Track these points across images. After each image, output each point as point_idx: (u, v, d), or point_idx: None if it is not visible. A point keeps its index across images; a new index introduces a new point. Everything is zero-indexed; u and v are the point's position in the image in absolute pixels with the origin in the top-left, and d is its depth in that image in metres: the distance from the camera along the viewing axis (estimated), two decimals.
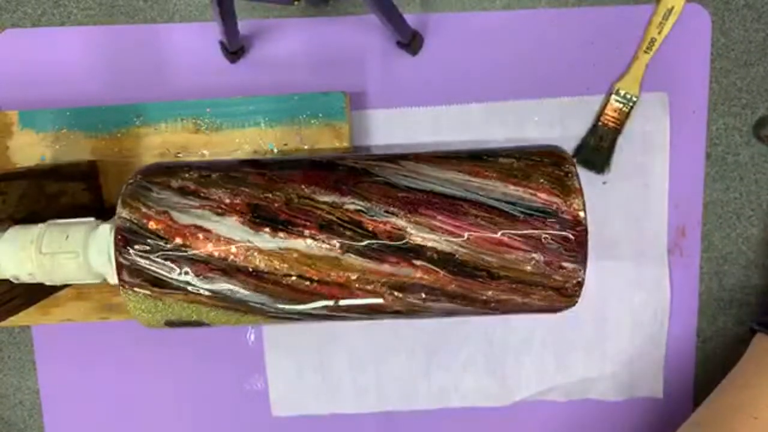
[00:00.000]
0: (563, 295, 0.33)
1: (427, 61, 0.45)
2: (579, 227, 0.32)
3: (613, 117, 0.44)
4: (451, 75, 0.45)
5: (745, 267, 0.47)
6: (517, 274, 0.32)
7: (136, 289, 0.32)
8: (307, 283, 0.32)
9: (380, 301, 0.33)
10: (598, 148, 0.45)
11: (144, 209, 0.32)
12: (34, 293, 0.39)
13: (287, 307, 0.33)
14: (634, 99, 0.44)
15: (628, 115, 0.44)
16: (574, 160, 0.45)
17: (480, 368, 0.48)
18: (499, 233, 0.32)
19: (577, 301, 0.33)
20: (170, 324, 0.34)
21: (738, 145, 0.46)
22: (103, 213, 0.39)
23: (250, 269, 0.32)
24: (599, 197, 0.46)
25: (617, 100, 0.44)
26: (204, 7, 0.45)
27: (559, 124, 0.45)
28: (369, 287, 0.32)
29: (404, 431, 0.49)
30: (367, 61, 0.45)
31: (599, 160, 0.45)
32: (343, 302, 0.33)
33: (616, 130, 0.45)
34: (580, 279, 0.32)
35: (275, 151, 0.43)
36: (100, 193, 0.44)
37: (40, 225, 0.35)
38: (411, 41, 0.43)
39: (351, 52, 0.45)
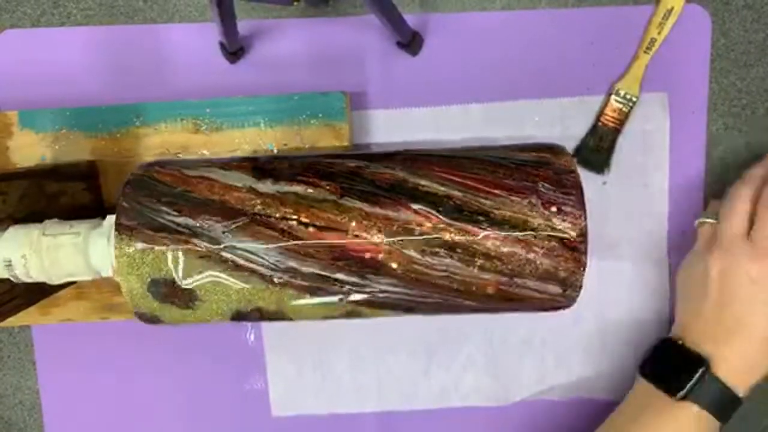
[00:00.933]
0: (567, 246, 0.32)
1: (427, 61, 0.45)
2: (572, 174, 0.33)
3: (613, 117, 0.44)
4: (451, 75, 0.45)
5: None
6: (516, 220, 0.32)
7: (132, 235, 0.32)
8: (306, 228, 0.32)
9: (380, 255, 0.32)
10: (598, 148, 0.45)
11: (157, 167, 0.35)
12: (34, 293, 0.39)
13: (284, 260, 0.32)
14: (634, 99, 0.44)
15: (628, 115, 0.44)
16: (574, 160, 0.45)
17: (480, 368, 0.48)
18: (495, 177, 0.33)
19: (584, 270, 0.33)
20: (155, 284, 0.33)
21: (738, 145, 0.46)
22: (103, 213, 0.39)
23: (249, 212, 0.33)
24: (599, 197, 0.46)
25: (617, 101, 0.44)
26: (204, 7, 0.45)
27: (559, 124, 0.45)
28: (367, 234, 0.32)
29: (404, 431, 0.49)
30: (367, 61, 0.45)
31: (599, 160, 0.45)
32: (338, 255, 0.32)
33: (616, 130, 0.45)
34: (582, 225, 0.32)
35: (275, 151, 0.43)
36: (100, 193, 0.44)
37: (41, 225, 0.35)
38: (411, 41, 0.43)
39: (351, 52, 0.45)
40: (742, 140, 0.46)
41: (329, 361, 0.48)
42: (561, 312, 0.36)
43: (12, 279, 0.35)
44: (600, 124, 0.45)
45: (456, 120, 0.45)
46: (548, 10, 0.45)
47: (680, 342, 0.40)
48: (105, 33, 0.46)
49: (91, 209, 0.43)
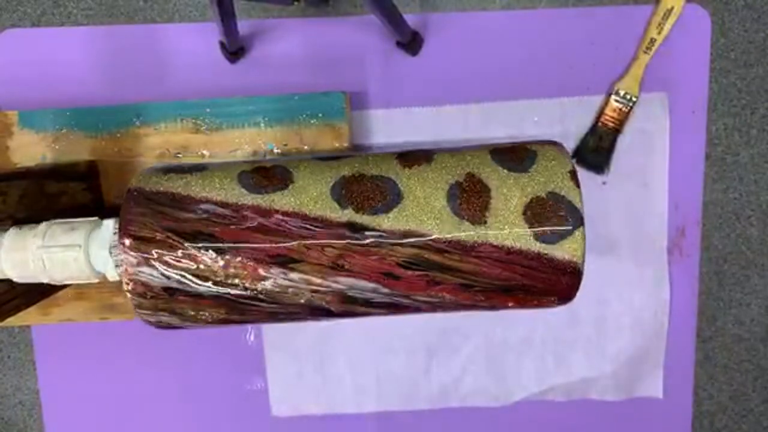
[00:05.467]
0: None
1: (427, 61, 0.45)
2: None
3: (612, 117, 0.44)
4: (451, 75, 0.45)
5: (745, 267, 0.47)
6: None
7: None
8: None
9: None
10: (598, 148, 0.45)
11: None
12: (34, 293, 0.39)
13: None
14: (634, 99, 0.44)
15: (628, 115, 0.44)
16: (573, 161, 0.45)
17: (480, 368, 0.48)
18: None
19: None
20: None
21: (738, 145, 0.46)
22: (103, 213, 0.39)
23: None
24: (599, 197, 0.46)
25: (617, 101, 0.44)
26: (204, 7, 0.45)
27: (559, 124, 0.45)
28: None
29: (404, 431, 0.49)
30: (367, 61, 0.45)
31: (599, 160, 0.45)
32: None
33: (616, 131, 0.45)
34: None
35: (275, 151, 0.43)
36: (100, 193, 0.44)
37: (41, 224, 0.35)
38: (411, 41, 0.43)
39: (351, 52, 0.45)
40: (742, 140, 0.46)
41: (329, 361, 0.48)
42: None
43: (14, 279, 0.35)
44: (600, 124, 0.45)
45: (456, 120, 0.45)
46: (548, 10, 0.45)
47: None
48: (105, 33, 0.46)
49: (91, 209, 0.43)
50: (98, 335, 0.48)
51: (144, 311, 0.33)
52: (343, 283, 0.32)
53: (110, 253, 0.34)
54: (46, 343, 0.49)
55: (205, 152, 0.44)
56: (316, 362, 0.48)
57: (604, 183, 0.46)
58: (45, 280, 0.35)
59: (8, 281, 0.35)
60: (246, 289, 0.32)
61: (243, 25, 0.43)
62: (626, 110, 0.44)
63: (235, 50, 0.44)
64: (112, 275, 0.35)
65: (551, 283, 0.33)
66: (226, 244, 0.32)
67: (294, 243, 0.32)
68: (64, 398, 0.49)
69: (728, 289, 0.47)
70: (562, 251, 0.32)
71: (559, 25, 0.45)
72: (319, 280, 0.32)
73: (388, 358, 0.48)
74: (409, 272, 0.32)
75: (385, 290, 0.32)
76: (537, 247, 0.32)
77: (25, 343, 0.49)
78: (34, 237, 0.34)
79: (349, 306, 0.33)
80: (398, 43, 0.44)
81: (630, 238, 0.46)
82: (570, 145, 0.45)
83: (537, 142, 0.36)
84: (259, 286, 0.32)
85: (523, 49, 0.45)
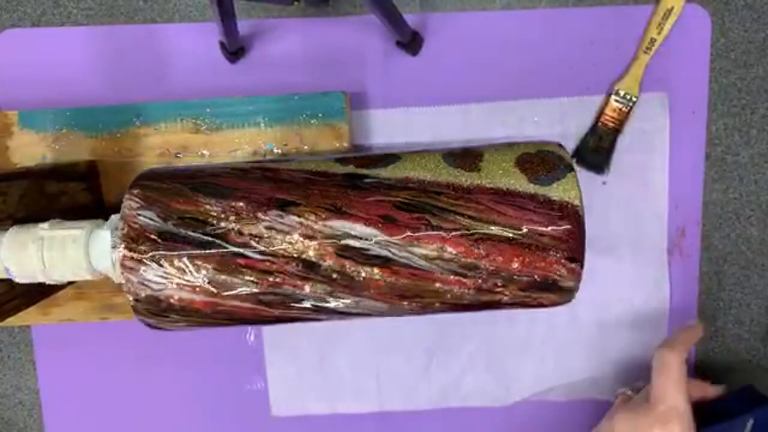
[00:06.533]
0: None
1: (427, 61, 0.45)
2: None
3: (612, 117, 0.44)
4: (451, 75, 0.45)
5: (745, 267, 0.47)
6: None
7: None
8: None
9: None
10: (597, 148, 0.45)
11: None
12: (34, 293, 0.39)
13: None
14: (634, 99, 0.44)
15: (627, 115, 0.44)
16: (573, 160, 0.45)
17: (480, 368, 0.48)
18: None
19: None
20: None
21: (738, 145, 0.46)
22: (103, 213, 0.39)
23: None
24: (599, 197, 0.46)
25: (617, 101, 0.44)
26: (204, 7, 0.45)
27: (559, 124, 0.45)
28: None
29: (404, 431, 0.49)
30: (367, 61, 0.45)
31: (599, 160, 0.45)
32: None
33: (616, 130, 0.45)
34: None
35: (275, 151, 0.43)
36: (100, 193, 0.44)
37: (42, 225, 0.35)
38: (411, 41, 0.43)
39: (351, 52, 0.45)
40: (742, 140, 0.46)
41: (329, 361, 0.48)
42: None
43: (14, 280, 0.35)
44: (600, 124, 0.45)
45: (456, 120, 0.45)
46: (548, 10, 0.45)
47: None
48: (105, 33, 0.46)
49: (91, 209, 0.43)
50: (98, 335, 0.48)
51: (136, 255, 0.33)
52: (339, 228, 0.32)
53: (112, 248, 0.34)
54: (46, 343, 0.49)
55: (205, 152, 0.44)
56: (316, 362, 0.48)
57: (604, 183, 0.46)
58: (45, 280, 0.35)
59: (8, 281, 0.35)
60: (240, 234, 0.32)
61: (243, 25, 0.43)
62: (626, 110, 0.44)
63: (235, 50, 0.44)
64: (114, 275, 0.35)
65: (552, 221, 0.32)
66: (227, 189, 0.33)
67: (294, 187, 0.33)
68: (64, 398, 0.49)
69: (728, 289, 0.47)
70: (558, 193, 0.33)
71: (559, 25, 0.45)
72: (316, 225, 0.32)
73: (388, 358, 0.48)
74: (406, 215, 0.32)
75: (382, 237, 0.32)
76: (532, 189, 0.33)
77: (25, 343, 0.49)
78: (34, 237, 0.34)
79: (343, 262, 0.32)
80: (398, 43, 0.44)
81: (630, 238, 0.46)
82: (570, 145, 0.45)
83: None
84: (254, 229, 0.32)
85: (523, 48, 0.45)
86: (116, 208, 0.35)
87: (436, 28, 0.45)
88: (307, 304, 0.33)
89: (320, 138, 0.43)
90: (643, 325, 0.47)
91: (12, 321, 0.40)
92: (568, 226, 0.32)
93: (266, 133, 0.43)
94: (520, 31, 0.45)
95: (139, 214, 0.33)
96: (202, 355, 0.48)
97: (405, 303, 0.34)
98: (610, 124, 0.44)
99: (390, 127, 0.46)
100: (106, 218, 0.36)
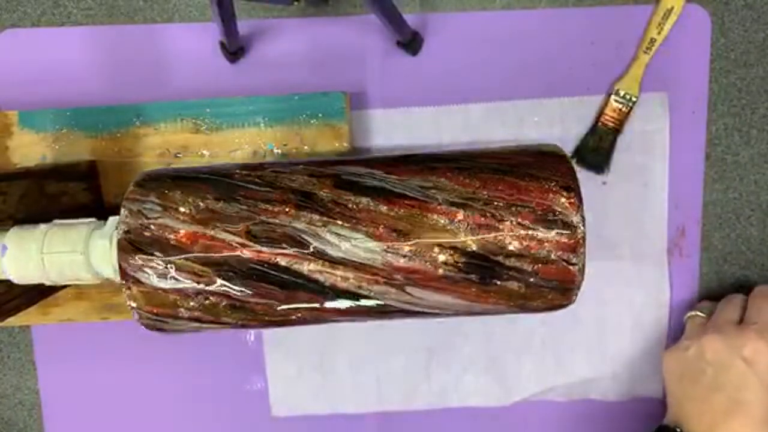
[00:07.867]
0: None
1: (427, 61, 0.45)
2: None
3: (612, 117, 0.44)
4: (451, 75, 0.45)
5: (745, 267, 0.47)
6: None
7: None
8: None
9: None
10: (598, 148, 0.45)
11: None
12: (34, 293, 0.39)
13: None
14: (634, 99, 0.44)
15: (627, 115, 0.44)
16: (573, 160, 0.45)
17: (480, 368, 0.48)
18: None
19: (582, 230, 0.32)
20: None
21: (738, 145, 0.46)
22: (103, 213, 0.39)
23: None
24: (599, 197, 0.46)
25: (617, 101, 0.44)
26: (204, 7, 0.45)
27: (559, 124, 0.45)
28: None
29: (404, 431, 0.49)
30: (367, 61, 0.45)
31: (599, 160, 0.45)
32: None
33: (616, 131, 0.45)
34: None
35: (275, 151, 0.43)
36: (100, 193, 0.44)
37: (42, 225, 0.35)
38: (411, 41, 0.43)
39: (351, 52, 0.45)
40: (742, 140, 0.46)
41: (329, 361, 0.48)
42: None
43: (13, 280, 0.35)
44: (600, 124, 0.45)
45: (456, 120, 0.45)
46: (548, 10, 0.45)
47: (678, 429, 0.39)
48: (105, 33, 0.46)
49: (91, 209, 0.43)
50: (98, 335, 0.48)
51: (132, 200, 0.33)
52: (339, 169, 0.34)
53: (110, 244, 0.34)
54: (46, 343, 0.49)
55: (205, 152, 0.44)
56: (316, 362, 0.48)
57: (604, 183, 0.46)
58: (45, 282, 0.35)
59: (8, 281, 0.35)
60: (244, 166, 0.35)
61: (243, 25, 0.43)
62: (626, 110, 0.44)
63: (235, 50, 0.44)
64: (114, 276, 0.35)
65: (544, 164, 0.34)
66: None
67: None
68: (64, 398, 0.49)
69: (728, 289, 0.47)
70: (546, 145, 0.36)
71: (559, 25, 0.45)
72: (318, 168, 0.34)
73: (388, 358, 0.48)
74: (406, 166, 0.34)
75: (379, 172, 0.33)
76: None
77: (25, 343, 0.49)
78: (34, 238, 0.34)
79: (340, 193, 0.32)
80: (398, 43, 0.44)
81: (630, 238, 0.46)
82: (570, 145, 0.45)
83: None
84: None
85: (523, 49, 0.45)
86: (116, 208, 0.35)
87: (436, 28, 0.45)
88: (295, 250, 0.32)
89: (320, 138, 0.43)
90: (643, 325, 0.47)
91: (12, 321, 0.40)
92: (555, 161, 0.34)
93: (266, 133, 0.43)
94: (520, 31, 0.45)
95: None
96: (202, 355, 0.48)
97: (403, 244, 0.32)
98: (610, 124, 0.44)
99: (390, 127, 0.45)
100: (106, 218, 0.36)
